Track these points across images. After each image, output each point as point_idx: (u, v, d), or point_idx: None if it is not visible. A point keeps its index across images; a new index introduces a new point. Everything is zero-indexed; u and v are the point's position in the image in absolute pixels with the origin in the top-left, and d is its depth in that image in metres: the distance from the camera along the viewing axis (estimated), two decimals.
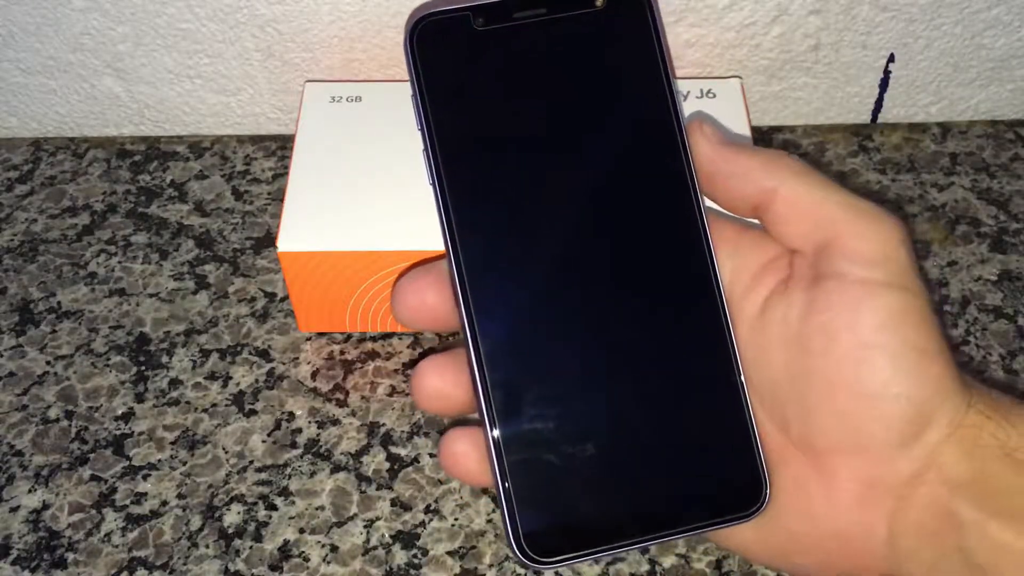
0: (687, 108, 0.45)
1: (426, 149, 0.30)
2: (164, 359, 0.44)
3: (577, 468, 0.29)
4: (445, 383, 0.30)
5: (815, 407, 0.28)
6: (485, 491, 0.40)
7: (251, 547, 0.39)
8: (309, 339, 0.45)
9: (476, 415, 0.30)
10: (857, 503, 0.28)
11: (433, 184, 0.30)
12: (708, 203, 0.31)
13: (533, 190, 0.30)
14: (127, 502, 0.40)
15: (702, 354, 0.30)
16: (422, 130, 0.30)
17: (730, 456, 0.29)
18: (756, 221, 0.31)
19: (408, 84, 0.30)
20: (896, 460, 0.27)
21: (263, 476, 0.41)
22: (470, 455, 0.30)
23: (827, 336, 0.28)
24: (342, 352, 0.44)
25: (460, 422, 0.33)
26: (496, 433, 0.29)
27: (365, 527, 0.39)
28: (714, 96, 0.45)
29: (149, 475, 0.41)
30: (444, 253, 0.30)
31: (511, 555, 0.28)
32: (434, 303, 0.31)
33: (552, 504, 0.29)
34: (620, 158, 0.30)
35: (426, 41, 0.30)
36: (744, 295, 0.30)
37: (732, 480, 0.29)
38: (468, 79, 0.30)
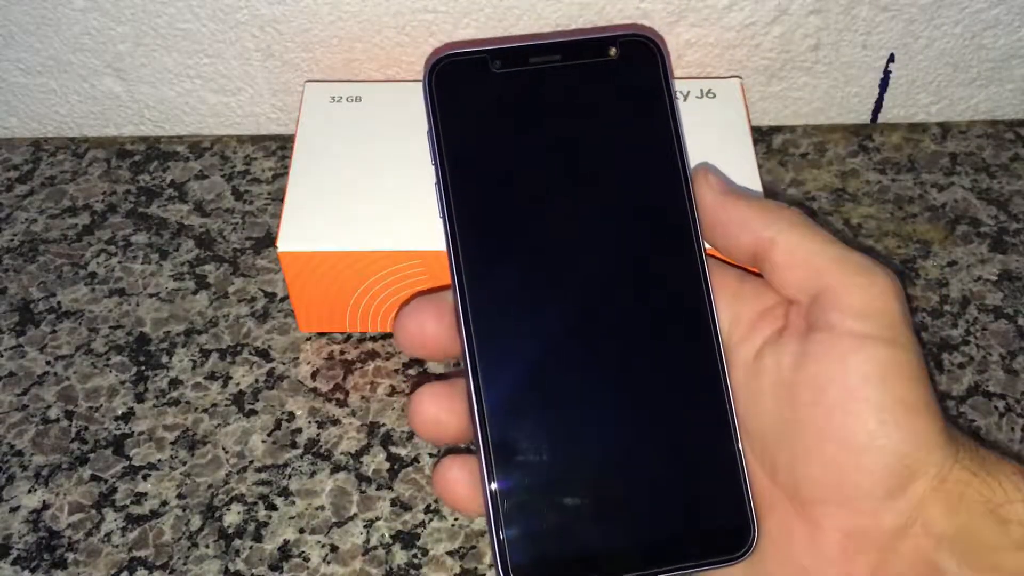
0: (687, 108, 0.45)
1: (438, 183, 0.30)
2: (164, 359, 0.44)
3: (568, 503, 0.29)
4: (442, 411, 0.31)
5: (803, 456, 0.29)
6: None
7: (251, 547, 0.39)
8: (309, 339, 0.45)
9: (471, 444, 0.30)
10: (840, 553, 0.28)
11: (443, 218, 0.30)
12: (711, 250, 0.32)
13: (540, 230, 0.31)
14: (127, 502, 0.40)
15: (697, 398, 0.30)
16: (435, 164, 0.31)
17: (720, 498, 0.30)
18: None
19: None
20: (881, 513, 0.28)
21: (263, 476, 0.41)
22: (463, 482, 0.30)
23: (816, 387, 0.28)
24: (342, 352, 0.44)
25: (455, 450, 0.33)
26: (489, 464, 0.29)
27: (365, 527, 0.39)
28: (714, 96, 0.45)
29: (149, 475, 0.41)
30: (449, 285, 0.30)
31: None
32: (433, 333, 0.31)
33: (542, 537, 0.29)
34: (626, 204, 0.31)
35: (444, 79, 0.31)
36: (741, 342, 0.31)
37: (721, 522, 0.30)
38: (483, 118, 0.31)
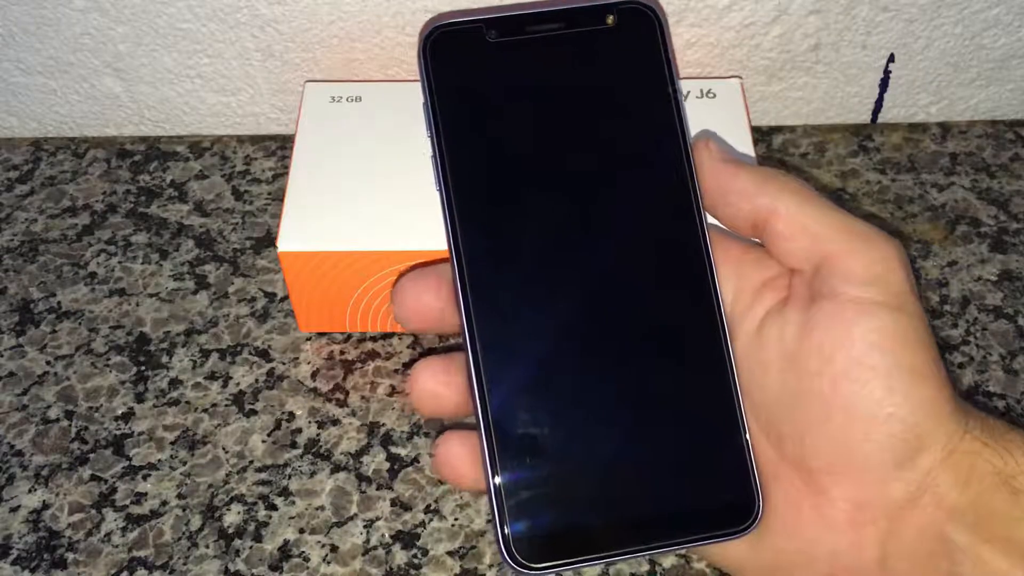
0: (688, 108, 0.45)
1: (435, 155, 0.30)
2: (164, 359, 0.44)
3: (570, 476, 0.29)
4: (439, 384, 0.31)
5: (809, 426, 0.28)
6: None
7: (251, 547, 0.39)
8: (309, 339, 0.45)
9: (471, 418, 0.30)
10: (849, 524, 0.28)
11: (440, 189, 0.30)
12: (714, 221, 0.31)
13: (538, 200, 0.30)
14: (127, 502, 0.40)
15: (700, 370, 0.30)
16: (431, 136, 0.30)
17: (724, 472, 0.30)
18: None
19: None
20: (889, 482, 0.27)
21: (263, 476, 0.41)
22: (463, 458, 0.30)
23: (821, 356, 0.28)
24: (342, 352, 0.44)
25: (456, 425, 0.33)
26: (490, 438, 0.29)
27: (365, 527, 0.39)
28: (714, 96, 0.45)
29: (149, 475, 0.41)
30: (447, 256, 0.30)
31: (501, 559, 0.29)
32: (431, 305, 0.31)
33: (544, 511, 0.29)
34: (625, 174, 0.31)
35: (439, 50, 0.30)
36: (744, 313, 0.30)
37: (725, 496, 0.29)
38: (478, 89, 0.31)
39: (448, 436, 0.31)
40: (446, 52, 0.30)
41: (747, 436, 0.30)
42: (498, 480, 0.29)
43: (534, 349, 0.30)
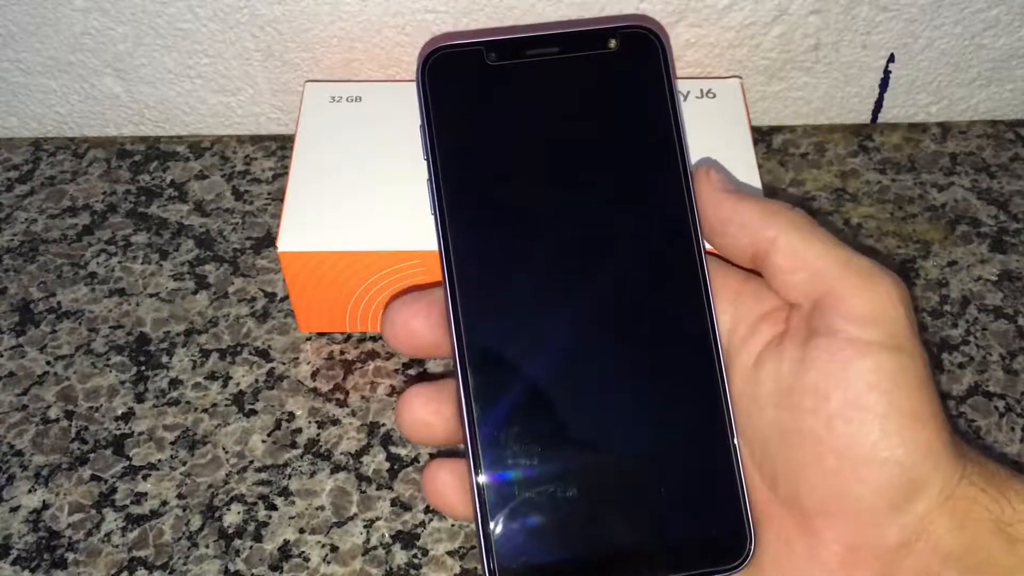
0: (687, 108, 0.45)
1: (430, 179, 0.30)
2: (164, 359, 0.44)
3: (560, 509, 0.29)
4: (429, 413, 0.30)
5: (803, 466, 0.28)
6: None
7: (251, 547, 0.39)
8: (309, 339, 0.45)
9: (460, 446, 0.29)
10: (841, 567, 0.28)
11: (434, 215, 0.29)
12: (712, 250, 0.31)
13: (534, 228, 0.30)
14: (127, 502, 0.40)
15: (694, 404, 0.29)
16: (427, 160, 0.30)
17: (716, 508, 0.29)
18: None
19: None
20: (884, 526, 0.27)
21: (263, 476, 0.41)
22: (451, 486, 0.30)
23: (816, 394, 0.27)
24: (342, 352, 0.44)
25: (446, 453, 0.32)
26: (478, 471, 0.29)
27: (365, 527, 0.39)
28: (714, 96, 0.45)
29: (149, 475, 0.41)
30: (438, 280, 0.30)
31: None
32: (420, 330, 0.31)
33: (531, 543, 0.28)
34: (624, 201, 0.30)
35: (438, 72, 0.30)
36: (741, 346, 0.30)
37: (716, 532, 0.29)
38: (477, 113, 0.30)
39: (435, 465, 0.30)
40: (445, 74, 0.30)
41: (740, 472, 0.29)
42: (486, 512, 0.28)
43: (525, 376, 0.29)
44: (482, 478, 0.29)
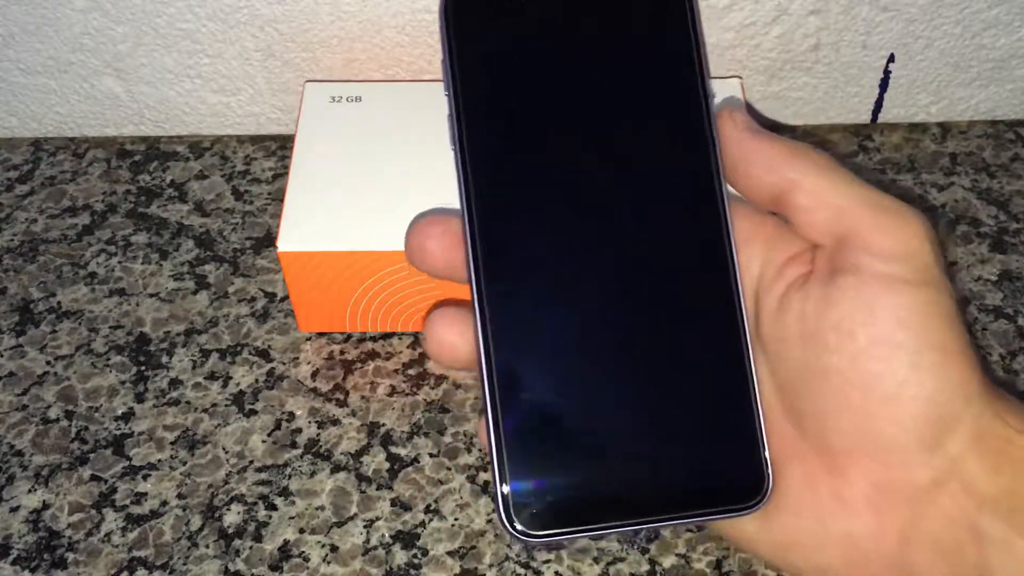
0: None
1: (451, 113, 0.29)
2: (164, 359, 0.44)
3: (576, 445, 0.29)
4: (455, 335, 0.30)
5: (829, 405, 0.27)
6: (485, 491, 0.40)
7: (251, 547, 0.39)
8: (309, 339, 0.45)
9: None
10: (868, 506, 0.27)
11: (455, 148, 0.29)
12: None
13: (555, 161, 0.30)
14: (127, 502, 0.40)
15: (712, 344, 0.29)
16: (448, 94, 0.29)
17: (734, 448, 0.29)
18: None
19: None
20: (913, 466, 0.26)
21: (263, 476, 0.41)
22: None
23: (842, 333, 0.27)
24: (342, 352, 0.44)
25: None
26: (494, 393, 0.28)
27: (365, 527, 0.39)
28: (714, 96, 0.45)
29: (149, 475, 0.41)
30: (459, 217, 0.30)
31: (501, 528, 0.28)
32: (434, 251, 0.30)
33: (548, 479, 0.28)
34: (646, 139, 0.30)
35: (460, 5, 0.30)
36: (769, 288, 0.29)
37: (734, 472, 0.29)
38: (499, 47, 0.30)
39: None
40: (467, 8, 0.30)
41: (759, 413, 0.29)
42: (502, 445, 0.28)
43: (546, 314, 0.29)
44: (498, 409, 0.28)
